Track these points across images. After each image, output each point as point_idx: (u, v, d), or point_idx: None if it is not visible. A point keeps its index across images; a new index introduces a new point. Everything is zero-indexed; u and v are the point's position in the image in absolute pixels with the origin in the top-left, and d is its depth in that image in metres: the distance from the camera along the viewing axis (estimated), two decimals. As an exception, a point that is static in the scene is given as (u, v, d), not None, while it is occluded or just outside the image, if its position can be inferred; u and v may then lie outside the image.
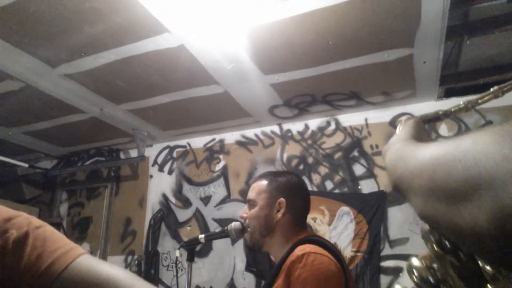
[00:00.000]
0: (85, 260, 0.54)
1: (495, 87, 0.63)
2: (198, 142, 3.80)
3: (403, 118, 0.63)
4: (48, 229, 0.55)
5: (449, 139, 0.35)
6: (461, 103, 0.66)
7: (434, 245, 0.45)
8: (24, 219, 0.54)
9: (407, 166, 0.41)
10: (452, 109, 0.67)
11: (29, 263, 0.50)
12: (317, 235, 1.25)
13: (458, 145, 0.32)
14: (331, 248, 1.08)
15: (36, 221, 0.55)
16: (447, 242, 0.44)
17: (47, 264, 0.51)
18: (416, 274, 0.47)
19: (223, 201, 3.51)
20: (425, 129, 0.60)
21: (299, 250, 1.06)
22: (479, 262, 0.42)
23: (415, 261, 0.48)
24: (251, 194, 1.36)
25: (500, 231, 0.26)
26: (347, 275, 1.05)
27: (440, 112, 0.68)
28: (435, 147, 0.37)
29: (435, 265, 0.47)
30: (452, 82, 2.69)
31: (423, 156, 0.38)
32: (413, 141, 0.49)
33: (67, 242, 0.55)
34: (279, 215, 1.28)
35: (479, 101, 0.64)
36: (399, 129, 0.59)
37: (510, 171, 0.26)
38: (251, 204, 1.35)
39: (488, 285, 0.39)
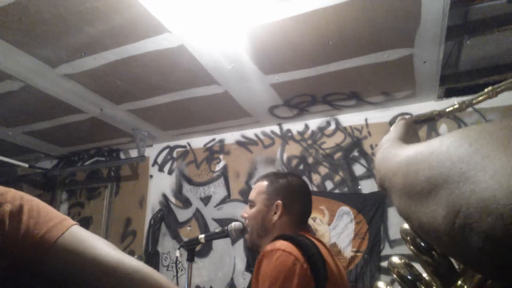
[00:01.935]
0: (78, 229, 0.58)
1: (489, 88, 0.64)
2: (198, 142, 3.80)
3: (399, 117, 0.64)
4: (40, 202, 0.59)
5: (424, 141, 0.37)
6: (455, 103, 0.67)
7: (409, 245, 0.48)
8: (16, 193, 0.57)
9: (389, 165, 0.44)
10: (447, 110, 0.68)
11: (27, 231, 0.53)
12: (310, 235, 1.24)
13: (427, 146, 0.34)
14: (306, 247, 1.07)
15: (27, 195, 0.59)
16: (421, 243, 0.46)
17: (43, 231, 0.54)
18: (395, 271, 0.50)
19: (223, 201, 3.51)
20: (414, 130, 0.62)
21: (271, 246, 1.08)
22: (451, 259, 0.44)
23: (395, 259, 0.51)
24: (252, 194, 1.37)
25: (451, 228, 0.28)
26: (322, 275, 1.03)
27: (434, 113, 0.68)
28: (412, 148, 0.39)
29: (412, 263, 0.50)
30: (452, 82, 2.69)
31: (401, 156, 0.40)
32: (399, 142, 0.52)
33: (60, 213, 0.59)
34: (275, 217, 1.29)
35: (474, 101, 0.64)
36: (391, 129, 0.61)
37: (463, 172, 0.28)
38: (251, 204, 1.36)
39: (459, 281, 0.41)
